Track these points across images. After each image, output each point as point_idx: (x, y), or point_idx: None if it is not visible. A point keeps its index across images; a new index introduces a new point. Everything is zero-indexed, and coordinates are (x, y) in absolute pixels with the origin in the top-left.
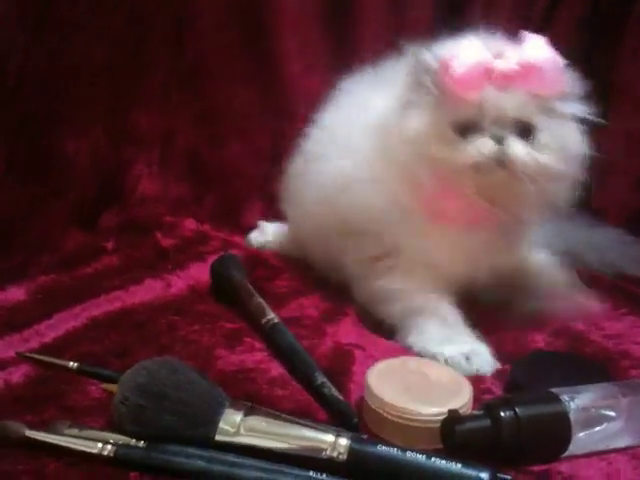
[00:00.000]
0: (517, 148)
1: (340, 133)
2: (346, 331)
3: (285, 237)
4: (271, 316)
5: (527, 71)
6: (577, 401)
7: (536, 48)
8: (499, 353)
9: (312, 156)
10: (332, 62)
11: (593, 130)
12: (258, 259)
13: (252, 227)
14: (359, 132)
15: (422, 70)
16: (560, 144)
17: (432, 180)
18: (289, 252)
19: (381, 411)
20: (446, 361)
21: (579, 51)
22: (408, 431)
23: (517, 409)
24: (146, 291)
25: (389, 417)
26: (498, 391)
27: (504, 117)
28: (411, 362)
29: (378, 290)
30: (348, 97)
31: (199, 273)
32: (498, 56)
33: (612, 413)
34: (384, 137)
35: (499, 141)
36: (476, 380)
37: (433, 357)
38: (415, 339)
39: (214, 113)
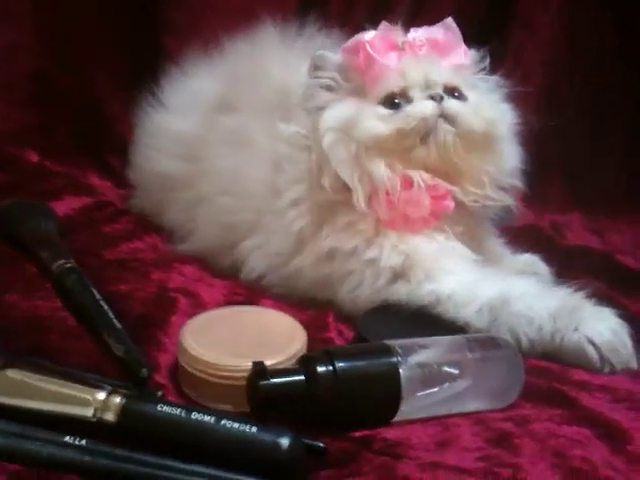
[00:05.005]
0: (455, 103)
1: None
2: (178, 276)
3: None
4: (62, 261)
5: (434, 42)
6: (414, 356)
7: (435, 28)
8: None
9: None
10: None
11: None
12: (104, 202)
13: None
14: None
15: (327, 68)
16: (493, 111)
17: (390, 173)
18: None
19: (189, 367)
20: None
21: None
22: (224, 391)
23: (337, 363)
24: None
25: (200, 375)
26: (341, 342)
27: (432, 82)
28: (243, 312)
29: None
30: None
31: None
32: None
33: (455, 371)
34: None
35: (438, 100)
36: (320, 330)
37: None
38: None
39: (66, 26)
